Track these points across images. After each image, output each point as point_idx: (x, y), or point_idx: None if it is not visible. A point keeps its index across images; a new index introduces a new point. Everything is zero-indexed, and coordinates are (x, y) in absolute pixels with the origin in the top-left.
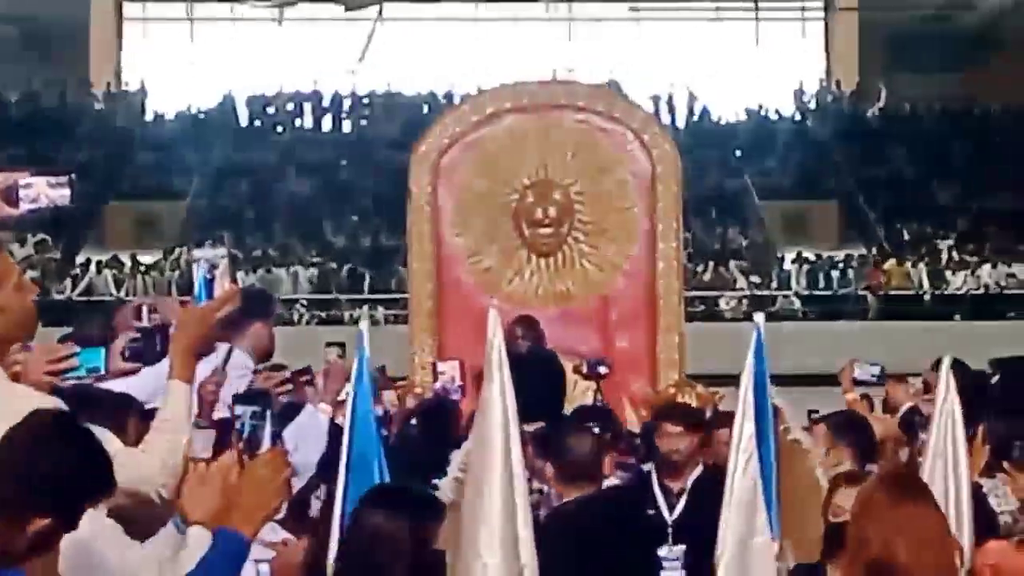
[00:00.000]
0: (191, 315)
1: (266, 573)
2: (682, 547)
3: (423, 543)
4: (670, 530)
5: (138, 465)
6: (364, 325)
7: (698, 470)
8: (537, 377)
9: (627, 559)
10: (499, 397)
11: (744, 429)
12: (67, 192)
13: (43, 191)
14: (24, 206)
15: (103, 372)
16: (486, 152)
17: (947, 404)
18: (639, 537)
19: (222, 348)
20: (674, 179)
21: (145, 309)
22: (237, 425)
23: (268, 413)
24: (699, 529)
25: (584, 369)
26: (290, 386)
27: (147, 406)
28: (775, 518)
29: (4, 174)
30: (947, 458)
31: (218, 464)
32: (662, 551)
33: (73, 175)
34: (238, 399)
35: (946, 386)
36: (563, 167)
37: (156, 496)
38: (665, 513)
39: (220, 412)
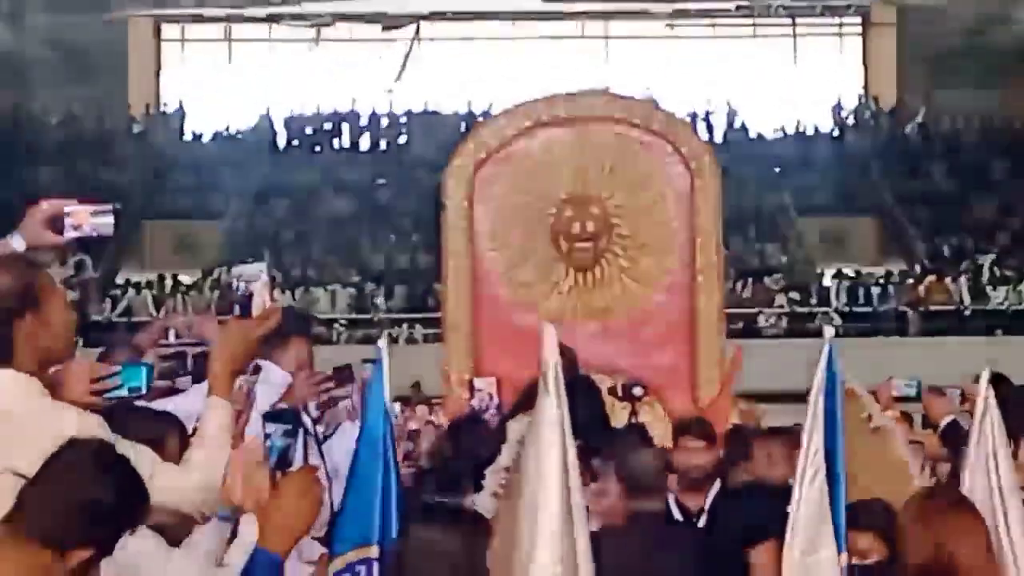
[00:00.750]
0: (231, 332)
1: None
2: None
3: (478, 558)
4: None
5: (177, 483)
6: (383, 343)
7: (715, 488)
8: (576, 402)
9: None
10: (556, 411)
11: (813, 441)
12: (110, 220)
13: (87, 219)
14: (68, 234)
15: (144, 391)
16: (522, 166)
17: (987, 417)
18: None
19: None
20: (713, 192)
21: (172, 330)
22: (267, 443)
23: (299, 431)
24: (719, 549)
25: (619, 392)
26: (332, 384)
27: (193, 425)
28: (842, 531)
29: (49, 202)
30: (988, 471)
31: (247, 450)
32: None
33: (117, 204)
34: (268, 416)
35: (985, 399)
36: (600, 181)
37: (197, 515)
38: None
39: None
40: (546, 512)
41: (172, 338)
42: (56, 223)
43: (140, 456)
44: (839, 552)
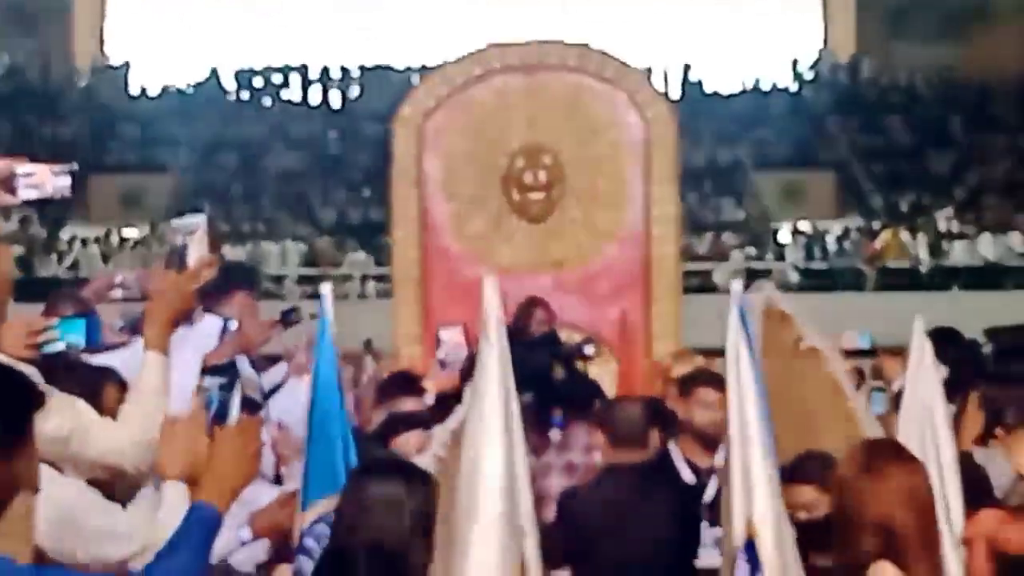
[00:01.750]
0: (166, 285)
1: (247, 535)
2: (719, 530)
3: (428, 510)
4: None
5: (112, 437)
6: (326, 289)
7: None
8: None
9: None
10: (498, 363)
11: (747, 399)
12: (68, 182)
13: (43, 180)
14: (23, 194)
15: (84, 345)
16: (473, 115)
17: (923, 369)
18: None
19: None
20: (670, 142)
21: (119, 282)
22: (205, 397)
23: (236, 384)
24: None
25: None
26: (280, 327)
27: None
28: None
29: (3, 161)
30: (922, 424)
31: (187, 419)
32: None
33: (75, 165)
34: (206, 371)
35: (920, 351)
36: (554, 130)
37: (133, 469)
38: None
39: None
40: (489, 467)
41: (119, 293)
42: (9, 183)
43: (76, 409)
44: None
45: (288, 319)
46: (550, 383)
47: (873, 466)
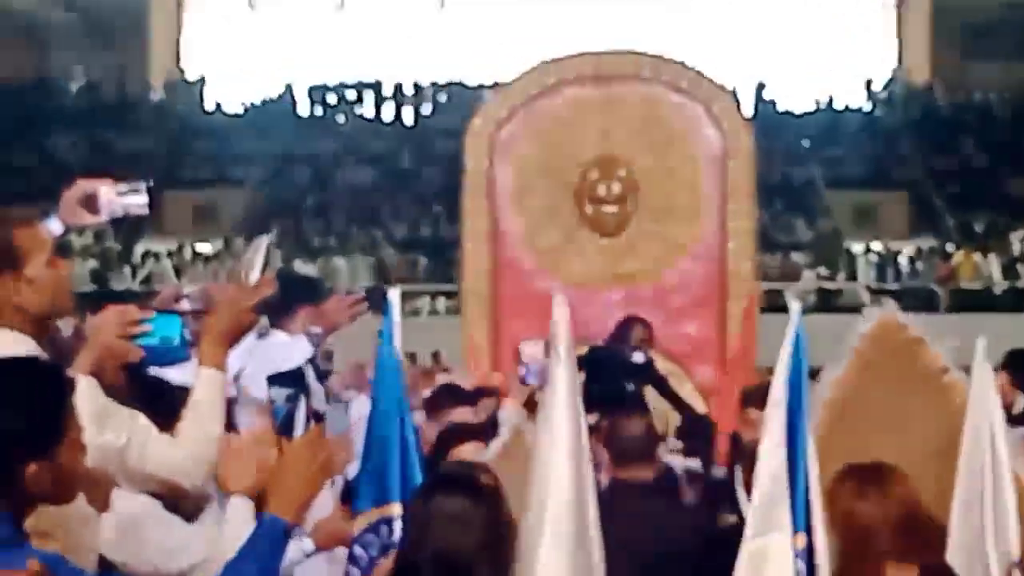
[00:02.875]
0: (222, 303)
1: (310, 546)
2: None
3: (499, 525)
4: None
5: (169, 453)
6: (394, 294)
7: None
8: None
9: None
10: (567, 382)
11: (774, 419)
12: (145, 200)
13: (121, 199)
14: (104, 214)
15: (177, 343)
16: (546, 126)
17: (983, 392)
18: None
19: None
20: (746, 154)
21: (186, 296)
22: (272, 408)
23: (301, 395)
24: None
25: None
26: (364, 305)
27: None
28: (800, 512)
29: (86, 182)
30: (984, 450)
31: (250, 434)
32: None
33: (150, 182)
34: (273, 381)
35: (982, 373)
36: (628, 142)
37: (190, 486)
38: None
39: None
40: (557, 485)
41: (186, 305)
42: (91, 202)
43: (135, 422)
44: (796, 532)
45: (373, 299)
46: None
47: (873, 491)
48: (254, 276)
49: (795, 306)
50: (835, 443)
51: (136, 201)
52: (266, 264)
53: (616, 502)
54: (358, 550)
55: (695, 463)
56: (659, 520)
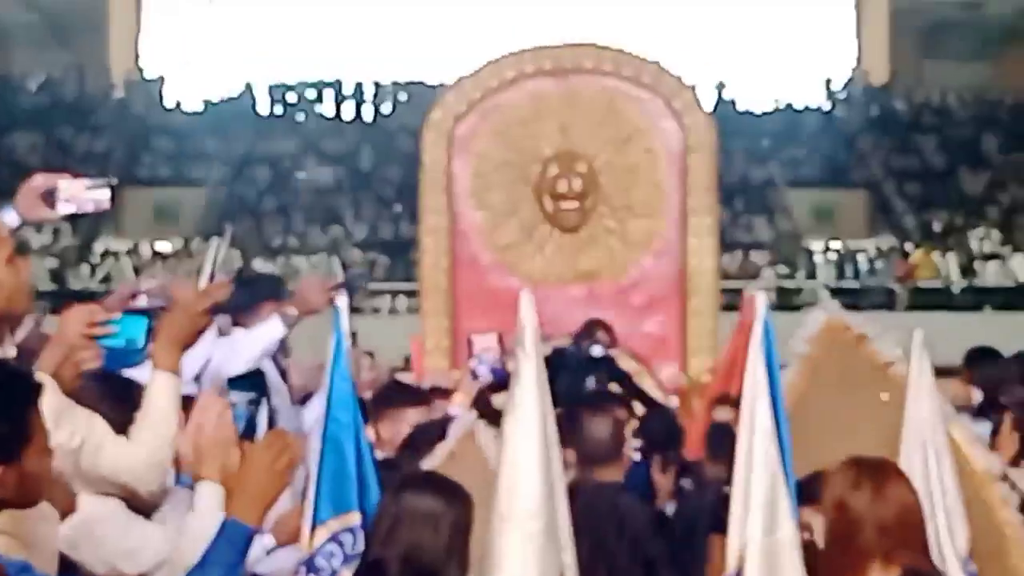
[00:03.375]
0: (175, 305)
1: (271, 542)
2: None
3: (463, 525)
4: None
5: (124, 455)
6: (342, 302)
7: None
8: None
9: None
10: (534, 377)
11: (757, 416)
12: (107, 196)
13: (81, 195)
14: (61, 208)
15: (142, 345)
16: (506, 120)
17: (922, 386)
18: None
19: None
20: (708, 150)
21: (144, 293)
22: (233, 412)
23: (263, 398)
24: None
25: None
26: (338, 291)
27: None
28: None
29: (44, 176)
30: (924, 443)
31: (217, 418)
32: None
33: (114, 180)
34: (233, 384)
35: (920, 367)
36: (588, 137)
37: (145, 492)
38: None
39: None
40: (526, 482)
41: (143, 301)
42: (49, 197)
43: (91, 423)
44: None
45: (353, 284)
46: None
47: (869, 486)
48: (203, 278)
49: (760, 297)
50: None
51: (97, 197)
52: (215, 264)
53: (585, 500)
54: (321, 561)
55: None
56: (625, 521)
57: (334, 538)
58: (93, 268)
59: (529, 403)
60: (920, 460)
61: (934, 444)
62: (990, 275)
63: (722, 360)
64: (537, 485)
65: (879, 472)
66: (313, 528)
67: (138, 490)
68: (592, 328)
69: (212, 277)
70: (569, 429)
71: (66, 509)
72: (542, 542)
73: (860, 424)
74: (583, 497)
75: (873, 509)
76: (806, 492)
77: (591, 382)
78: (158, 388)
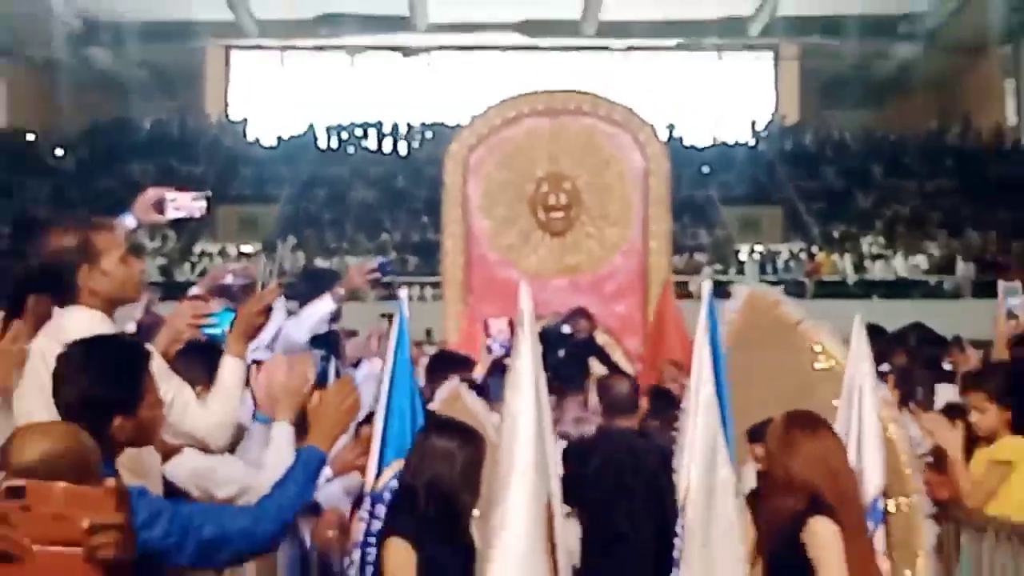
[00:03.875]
0: (241, 310)
1: (330, 473)
2: None
3: (475, 461)
4: None
5: (201, 417)
6: (403, 293)
7: None
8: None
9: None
10: (530, 354)
11: (703, 381)
12: (204, 205)
13: (185, 204)
14: (170, 213)
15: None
16: (507, 150)
17: (860, 356)
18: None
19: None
20: (663, 173)
21: (230, 276)
22: (311, 362)
23: (332, 356)
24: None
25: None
26: (378, 274)
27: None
28: (732, 448)
29: (155, 189)
30: (852, 402)
31: (297, 368)
32: None
33: (209, 192)
34: (312, 344)
35: (859, 341)
36: (572, 162)
37: (214, 447)
38: None
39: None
40: (524, 428)
41: (231, 279)
42: (159, 206)
43: (181, 386)
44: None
45: (384, 269)
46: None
47: (790, 438)
48: (274, 272)
49: (707, 284)
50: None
51: (197, 205)
52: (282, 260)
53: (608, 442)
54: (386, 493)
55: None
56: (639, 457)
57: (396, 476)
58: (192, 265)
59: (526, 371)
60: (856, 409)
61: (870, 397)
62: (876, 271)
63: (651, 329)
64: (531, 434)
65: (807, 422)
66: (379, 470)
67: (209, 445)
68: (576, 314)
69: (281, 270)
70: (600, 389)
71: (165, 450)
72: (532, 476)
73: (774, 371)
74: (606, 440)
75: (795, 451)
76: (758, 433)
77: (563, 353)
78: (227, 369)
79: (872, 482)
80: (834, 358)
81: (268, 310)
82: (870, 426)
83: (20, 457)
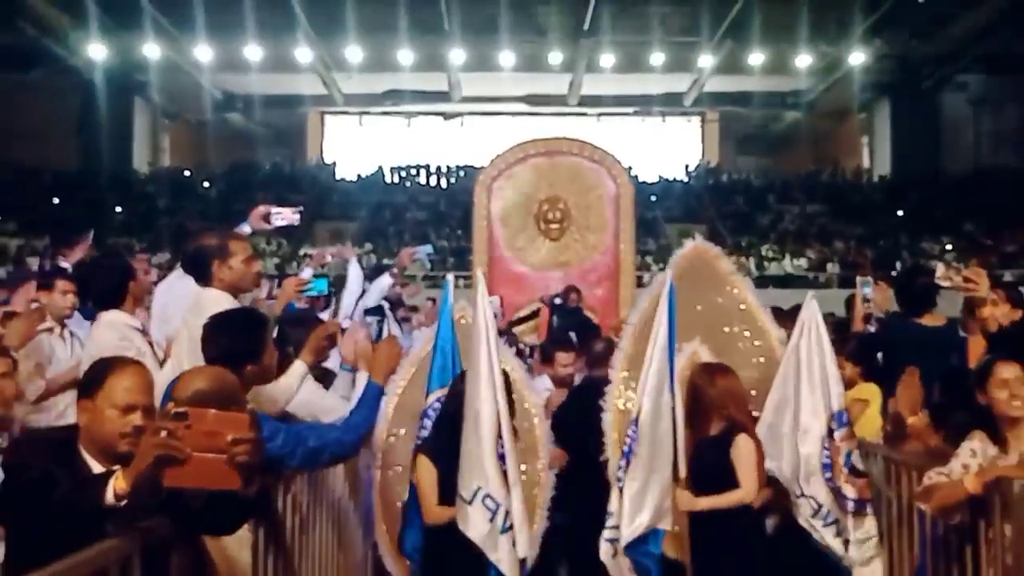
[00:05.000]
0: (314, 335)
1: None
2: None
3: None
4: None
5: (274, 388)
6: (450, 277)
7: None
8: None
9: None
10: (484, 325)
11: (659, 335)
12: (298, 217)
13: (286, 215)
14: (274, 223)
15: (326, 293)
16: (519, 179)
17: (814, 327)
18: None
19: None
20: (629, 198)
21: (329, 255)
22: (370, 327)
23: (384, 320)
24: None
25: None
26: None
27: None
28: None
29: (265, 206)
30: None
31: (381, 344)
32: None
33: (302, 208)
34: (368, 312)
35: (811, 315)
36: (564, 189)
37: (274, 409)
38: None
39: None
40: (484, 387)
41: (330, 258)
42: (267, 217)
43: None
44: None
45: (424, 252)
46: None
47: (708, 377)
48: (353, 269)
49: (669, 271)
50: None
51: (295, 217)
52: (361, 262)
53: (591, 388)
54: (430, 411)
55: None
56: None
57: (438, 400)
58: (298, 263)
59: (482, 340)
60: (813, 343)
61: (819, 341)
62: (771, 270)
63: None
64: (487, 377)
65: (719, 367)
66: (427, 394)
67: (265, 407)
68: (568, 290)
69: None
70: (582, 344)
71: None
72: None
73: (705, 303)
74: (587, 386)
75: (714, 388)
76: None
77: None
78: (292, 370)
79: (836, 395)
80: (747, 302)
81: (331, 337)
82: (828, 352)
83: (184, 391)
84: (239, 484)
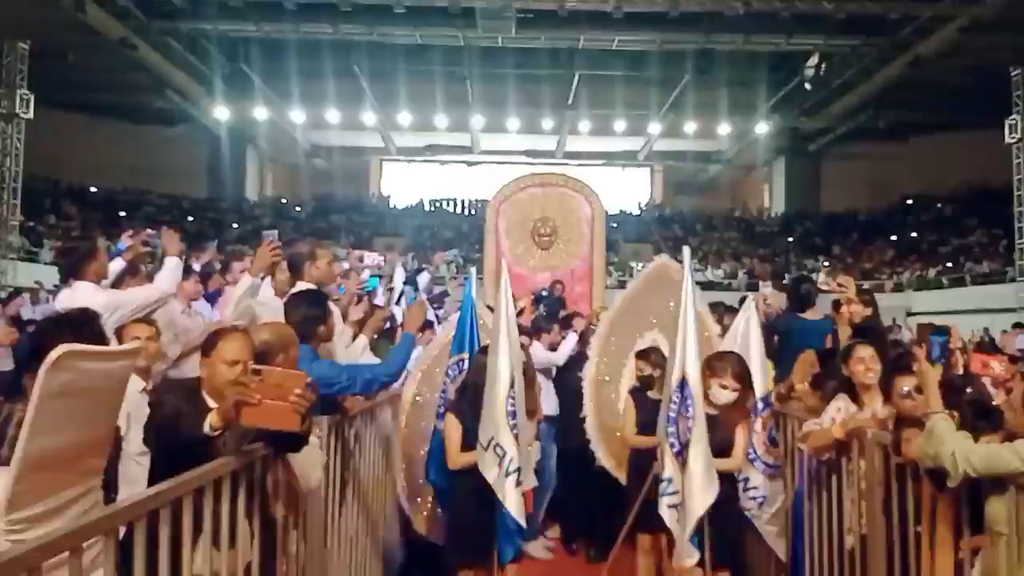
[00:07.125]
0: (373, 318)
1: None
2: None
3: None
4: None
5: (345, 350)
6: (473, 270)
7: None
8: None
9: None
10: (504, 309)
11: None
12: (383, 260)
13: (374, 258)
14: (365, 263)
15: (375, 290)
16: (519, 204)
17: (752, 321)
18: None
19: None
20: (601, 219)
21: (368, 259)
22: (404, 294)
23: (416, 289)
24: None
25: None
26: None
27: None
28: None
29: (359, 251)
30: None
31: (413, 306)
32: None
33: (387, 253)
34: (404, 282)
35: (748, 313)
36: (553, 211)
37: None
38: None
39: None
40: (503, 361)
41: (367, 260)
42: (361, 259)
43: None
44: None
45: (452, 256)
46: (557, 310)
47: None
48: (398, 272)
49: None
50: (624, 322)
51: (379, 260)
52: (406, 267)
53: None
54: (450, 371)
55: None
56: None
57: (457, 363)
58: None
59: (504, 326)
60: (749, 325)
61: (754, 317)
62: (697, 278)
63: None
64: (505, 360)
65: (723, 356)
66: (450, 356)
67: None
68: (555, 283)
69: (405, 268)
70: (564, 320)
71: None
72: (509, 372)
73: (664, 307)
74: (574, 357)
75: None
76: (644, 353)
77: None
78: (356, 343)
79: (760, 384)
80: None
81: (388, 318)
82: (756, 338)
83: (256, 339)
84: (298, 425)
